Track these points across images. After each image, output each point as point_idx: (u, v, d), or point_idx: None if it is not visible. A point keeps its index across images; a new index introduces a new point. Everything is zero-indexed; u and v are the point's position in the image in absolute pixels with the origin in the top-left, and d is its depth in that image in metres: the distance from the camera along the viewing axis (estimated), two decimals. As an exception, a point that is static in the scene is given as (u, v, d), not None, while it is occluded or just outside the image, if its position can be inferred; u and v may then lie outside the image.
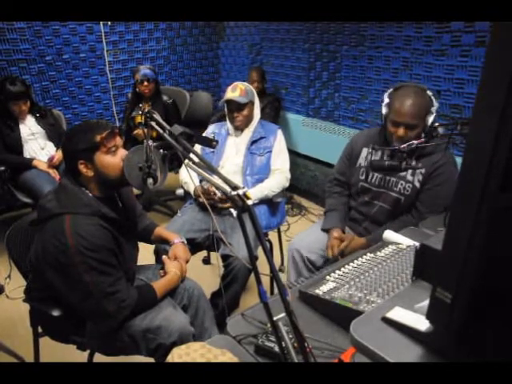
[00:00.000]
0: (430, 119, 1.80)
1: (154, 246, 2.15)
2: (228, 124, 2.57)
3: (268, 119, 3.04)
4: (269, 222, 2.48)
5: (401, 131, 1.83)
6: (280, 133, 2.60)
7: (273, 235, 2.67)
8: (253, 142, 2.51)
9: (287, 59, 3.94)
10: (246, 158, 2.48)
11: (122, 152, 1.51)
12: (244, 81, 3.07)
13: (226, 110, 2.53)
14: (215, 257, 2.27)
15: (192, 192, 2.41)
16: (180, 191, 2.62)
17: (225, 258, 2.19)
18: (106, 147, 1.48)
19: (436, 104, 1.82)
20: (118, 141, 1.53)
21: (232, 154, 2.52)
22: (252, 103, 2.50)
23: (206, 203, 1.34)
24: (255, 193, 2.38)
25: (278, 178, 2.49)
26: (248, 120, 2.52)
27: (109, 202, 1.56)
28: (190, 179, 2.38)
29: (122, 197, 1.71)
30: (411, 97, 1.80)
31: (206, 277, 2.38)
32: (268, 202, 2.48)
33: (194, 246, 2.23)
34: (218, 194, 2.28)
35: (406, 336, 0.68)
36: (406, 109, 1.79)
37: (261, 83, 3.82)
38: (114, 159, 1.50)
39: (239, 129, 2.53)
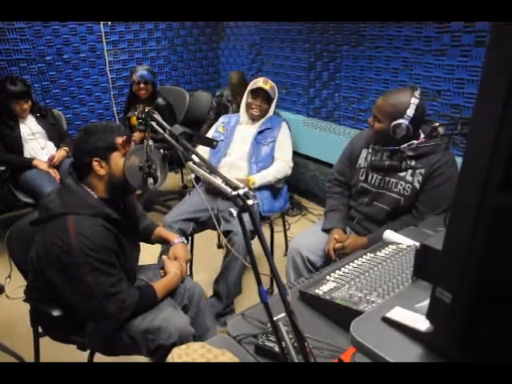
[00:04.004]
0: (394, 123, 1.81)
1: (154, 246, 2.15)
2: (242, 112, 2.80)
3: None
4: (271, 206, 2.63)
5: (370, 118, 1.97)
6: (284, 125, 2.79)
7: (278, 235, 2.70)
8: (259, 133, 2.70)
9: (287, 59, 3.94)
10: (252, 146, 2.67)
11: None
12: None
13: (247, 97, 2.73)
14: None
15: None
16: (192, 175, 2.72)
17: (226, 234, 2.34)
18: (125, 150, 1.52)
19: (409, 113, 1.79)
20: (132, 146, 1.56)
21: (239, 142, 2.71)
22: (273, 101, 2.75)
23: (197, 186, 1.38)
24: (259, 178, 2.57)
25: (281, 165, 2.67)
26: (263, 114, 2.74)
27: (111, 203, 1.56)
28: None
29: (123, 198, 1.71)
30: (390, 94, 1.88)
31: (219, 261, 2.49)
32: (270, 187, 2.65)
33: (198, 224, 2.46)
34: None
35: (406, 336, 0.68)
36: (378, 101, 1.91)
37: (244, 87, 3.60)
38: None
39: (254, 119, 2.73)
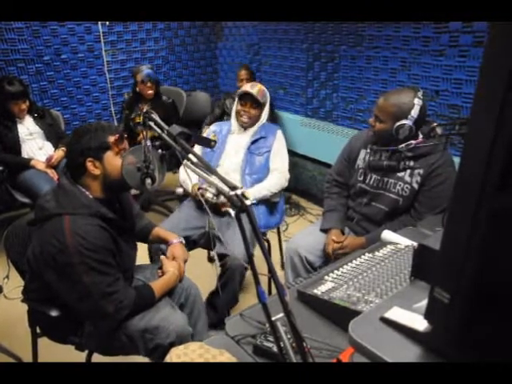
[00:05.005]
0: (398, 123, 1.81)
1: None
2: (232, 121, 2.60)
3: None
4: (267, 221, 2.48)
5: (371, 118, 1.96)
6: (280, 133, 2.62)
7: (272, 236, 2.67)
8: (253, 142, 2.52)
9: (285, 59, 3.94)
10: (245, 157, 2.49)
11: None
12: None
13: (236, 104, 2.56)
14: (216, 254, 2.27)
15: (190, 190, 2.41)
16: (180, 190, 2.64)
17: (221, 256, 2.17)
18: (118, 148, 1.51)
19: (414, 114, 1.79)
20: (126, 145, 1.56)
21: (231, 153, 2.53)
22: (264, 106, 2.55)
23: (203, 200, 1.35)
24: (253, 193, 2.39)
25: (277, 178, 2.50)
26: (254, 120, 2.55)
27: (107, 203, 1.56)
28: (188, 178, 2.38)
29: (119, 197, 1.71)
30: (391, 95, 1.87)
31: (209, 274, 2.35)
32: (266, 201, 2.48)
33: (189, 243, 2.25)
34: (209, 194, 2.26)
35: (405, 336, 0.68)
36: (380, 101, 1.89)
37: (250, 81, 3.81)
38: (121, 161, 1.50)
39: (244, 127, 2.56)
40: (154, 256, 2.14)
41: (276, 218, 2.57)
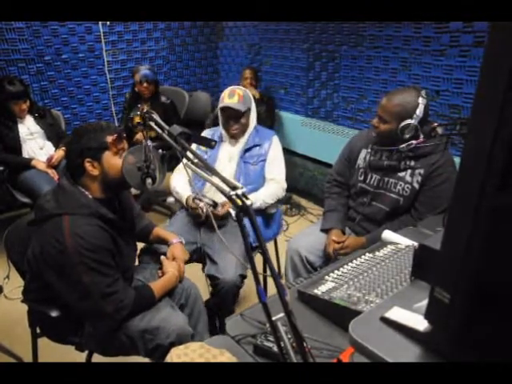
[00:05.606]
0: (404, 123, 1.80)
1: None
2: (222, 131, 2.41)
3: (263, 120, 3.00)
4: (263, 234, 2.29)
5: (375, 120, 1.92)
6: (276, 139, 2.45)
7: (269, 246, 2.60)
8: (246, 150, 2.36)
9: (286, 59, 3.94)
10: (238, 166, 2.33)
11: None
12: (239, 82, 3.01)
13: (220, 117, 2.37)
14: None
15: (184, 201, 2.28)
16: (171, 199, 2.54)
17: (211, 277, 2.03)
18: (117, 148, 1.51)
19: (418, 113, 1.79)
20: (125, 144, 1.56)
21: (225, 162, 2.37)
22: (249, 110, 2.35)
23: (205, 209, 1.32)
24: None
25: (273, 188, 2.35)
26: (245, 128, 2.37)
27: (107, 203, 1.56)
28: (181, 189, 2.32)
29: (119, 198, 1.71)
30: (394, 94, 1.86)
31: (203, 282, 2.28)
32: (262, 212, 2.35)
33: None
34: (204, 207, 2.13)
35: (405, 336, 0.68)
36: (383, 101, 1.88)
37: (254, 80, 3.84)
38: (120, 161, 1.50)
39: (235, 137, 2.39)
40: (141, 257, 2.02)
41: (273, 229, 2.45)
